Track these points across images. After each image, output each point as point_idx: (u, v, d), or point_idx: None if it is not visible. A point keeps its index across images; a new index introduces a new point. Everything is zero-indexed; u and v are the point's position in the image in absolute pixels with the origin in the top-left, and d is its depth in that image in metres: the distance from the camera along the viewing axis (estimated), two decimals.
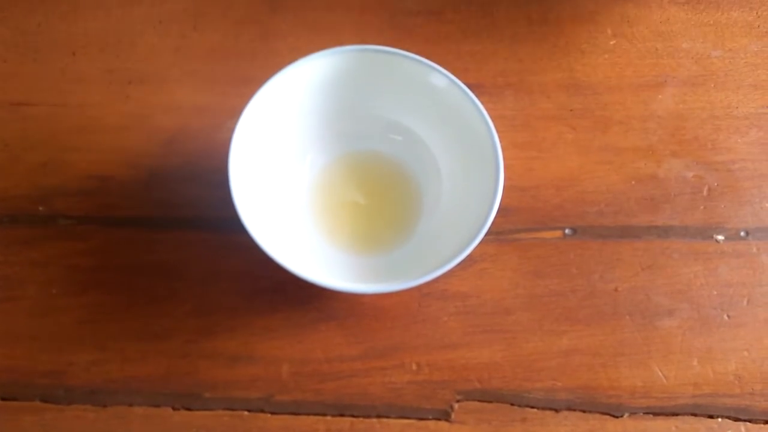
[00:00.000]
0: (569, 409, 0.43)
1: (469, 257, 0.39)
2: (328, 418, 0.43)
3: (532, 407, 0.43)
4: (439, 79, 0.43)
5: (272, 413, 0.43)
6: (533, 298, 0.45)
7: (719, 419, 0.43)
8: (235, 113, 0.41)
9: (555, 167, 0.49)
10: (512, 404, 0.43)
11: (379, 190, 0.48)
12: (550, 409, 0.43)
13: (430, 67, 0.43)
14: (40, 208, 0.47)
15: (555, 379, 0.44)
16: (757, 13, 0.53)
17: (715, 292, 0.46)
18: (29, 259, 0.46)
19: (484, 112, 0.42)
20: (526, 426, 0.43)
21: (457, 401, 0.43)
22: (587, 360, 0.44)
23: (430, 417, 0.43)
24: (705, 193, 0.48)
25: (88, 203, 0.47)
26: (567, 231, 0.47)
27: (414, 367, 0.44)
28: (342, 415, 0.43)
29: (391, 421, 0.43)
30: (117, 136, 0.48)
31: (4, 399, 0.43)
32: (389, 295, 0.45)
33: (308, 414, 0.43)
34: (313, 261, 0.43)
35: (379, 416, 0.43)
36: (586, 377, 0.44)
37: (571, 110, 0.50)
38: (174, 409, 0.43)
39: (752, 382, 0.44)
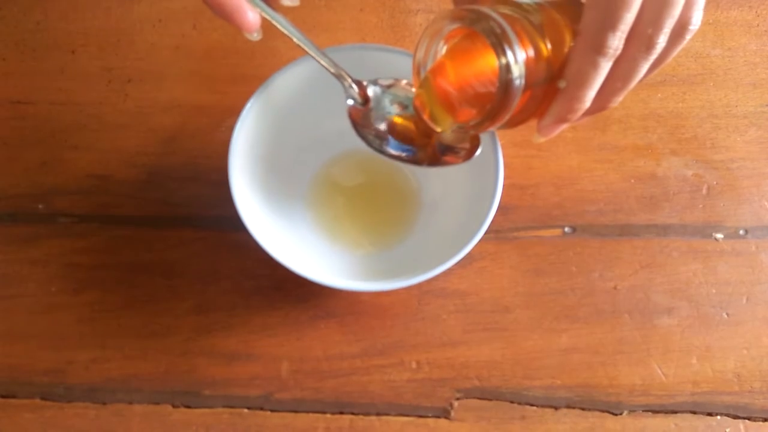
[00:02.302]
0: (568, 406, 0.43)
1: (469, 255, 0.39)
2: (328, 415, 0.43)
3: (532, 405, 0.43)
4: None
5: (272, 411, 0.43)
6: (533, 296, 0.45)
7: (718, 417, 0.43)
8: (235, 112, 0.41)
9: (554, 166, 0.49)
10: (512, 402, 0.43)
11: (378, 188, 0.48)
12: (550, 406, 0.43)
13: None
14: (40, 207, 0.47)
15: (554, 377, 0.44)
16: (756, 12, 0.53)
17: (714, 291, 0.46)
18: (29, 257, 0.46)
19: None
20: (525, 424, 0.43)
21: (457, 399, 0.43)
22: (586, 358, 0.44)
23: (430, 415, 0.43)
24: (704, 191, 0.48)
25: (88, 202, 0.47)
26: (566, 229, 0.47)
27: (413, 365, 0.44)
28: (341, 413, 0.43)
29: (391, 419, 0.43)
30: (116, 135, 0.49)
31: (4, 397, 0.43)
32: (389, 292, 0.45)
33: (308, 412, 0.43)
34: (313, 259, 0.43)
35: (378, 414, 0.43)
36: (586, 375, 0.44)
37: None
38: (174, 406, 0.43)
39: (751, 379, 0.44)
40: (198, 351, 0.44)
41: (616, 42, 0.30)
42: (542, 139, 0.35)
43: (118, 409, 0.43)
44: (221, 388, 0.43)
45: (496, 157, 0.41)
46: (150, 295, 0.45)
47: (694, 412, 0.43)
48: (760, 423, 0.43)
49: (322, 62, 0.37)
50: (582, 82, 0.31)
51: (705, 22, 0.53)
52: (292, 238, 0.43)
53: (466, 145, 0.39)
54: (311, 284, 0.39)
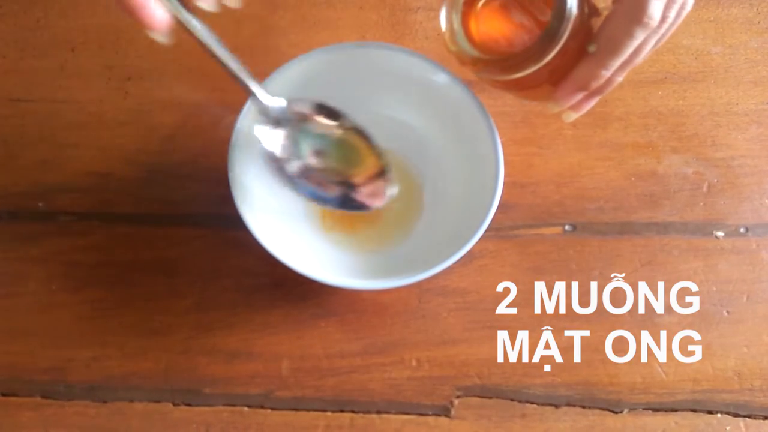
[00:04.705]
0: (569, 404, 0.43)
1: (469, 253, 0.39)
2: (328, 414, 0.43)
3: (532, 403, 0.43)
4: (440, 75, 0.43)
5: (272, 409, 0.43)
6: (533, 294, 0.45)
7: (718, 415, 0.43)
8: (235, 110, 0.41)
9: (555, 163, 0.48)
10: (512, 400, 0.43)
11: None
12: (550, 404, 0.43)
13: (430, 63, 0.43)
14: (40, 205, 0.47)
15: (555, 375, 0.44)
16: (757, 9, 0.53)
17: (714, 289, 0.46)
18: (29, 255, 0.46)
19: (485, 108, 0.42)
20: (525, 421, 0.43)
21: (457, 397, 0.43)
22: (587, 356, 0.44)
23: (430, 413, 0.43)
24: (705, 189, 0.48)
25: (88, 200, 0.47)
26: (567, 227, 0.47)
27: (414, 363, 0.44)
28: (342, 411, 0.43)
29: (391, 416, 0.43)
30: (116, 133, 0.48)
31: (4, 395, 0.43)
32: (389, 291, 0.45)
33: (308, 410, 0.43)
34: (313, 257, 0.43)
35: (379, 412, 0.43)
36: (586, 373, 0.44)
37: None
38: (174, 404, 0.43)
39: (751, 377, 0.44)
40: (198, 349, 0.44)
41: (657, 12, 0.30)
42: (556, 109, 0.35)
43: (118, 408, 0.43)
44: (222, 387, 0.43)
45: (497, 155, 0.41)
46: (150, 293, 0.45)
47: (694, 410, 0.43)
48: (761, 421, 0.43)
49: (239, 74, 0.36)
50: (613, 49, 0.31)
51: (706, 20, 0.53)
52: (292, 236, 0.43)
53: (382, 188, 0.40)
54: (312, 282, 0.39)
